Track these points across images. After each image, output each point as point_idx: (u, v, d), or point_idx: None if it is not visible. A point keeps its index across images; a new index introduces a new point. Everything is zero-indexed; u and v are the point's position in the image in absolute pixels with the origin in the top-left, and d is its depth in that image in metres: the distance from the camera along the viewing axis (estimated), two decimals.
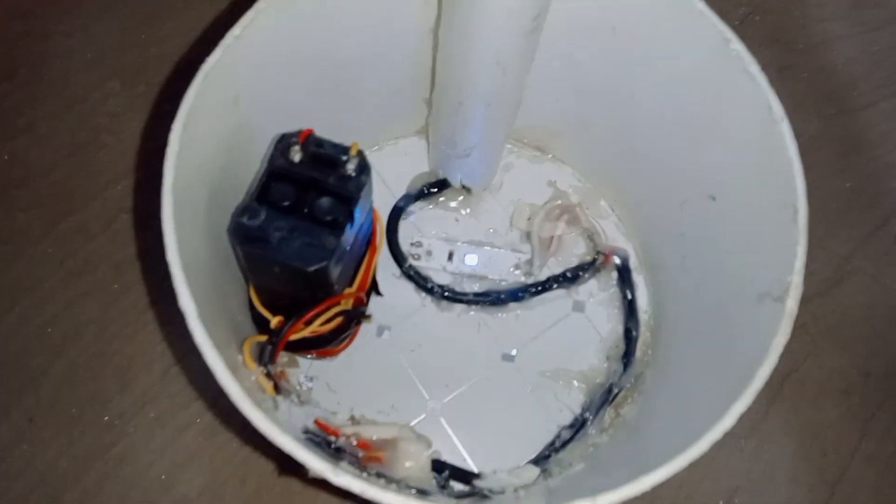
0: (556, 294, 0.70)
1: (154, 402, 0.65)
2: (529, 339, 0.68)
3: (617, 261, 0.69)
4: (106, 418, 0.65)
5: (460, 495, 0.57)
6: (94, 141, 0.75)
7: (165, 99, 0.77)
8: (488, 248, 0.71)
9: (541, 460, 0.63)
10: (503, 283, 0.70)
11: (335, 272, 0.51)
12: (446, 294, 0.68)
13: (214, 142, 0.50)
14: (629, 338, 0.67)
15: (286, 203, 0.49)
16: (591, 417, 0.64)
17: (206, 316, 0.42)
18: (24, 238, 0.70)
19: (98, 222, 0.71)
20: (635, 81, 0.61)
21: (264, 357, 0.51)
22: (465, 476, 0.59)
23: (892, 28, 0.91)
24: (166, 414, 0.65)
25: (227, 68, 0.48)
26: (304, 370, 0.65)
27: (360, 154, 0.51)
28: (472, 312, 0.69)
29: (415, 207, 0.72)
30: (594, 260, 0.70)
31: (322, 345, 0.60)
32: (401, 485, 0.49)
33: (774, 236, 0.49)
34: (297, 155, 0.50)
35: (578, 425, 0.64)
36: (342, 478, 0.39)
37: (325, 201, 0.49)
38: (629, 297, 0.69)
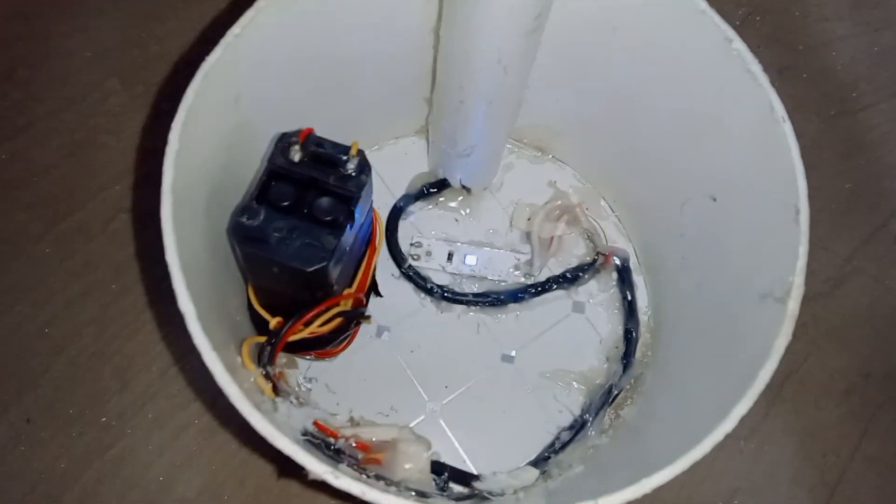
0: (556, 295, 0.70)
1: (153, 403, 0.65)
2: (529, 340, 0.68)
3: (617, 261, 0.69)
4: (104, 419, 0.64)
5: (460, 497, 0.57)
6: (94, 140, 0.74)
7: (165, 98, 0.77)
8: (488, 248, 0.71)
9: (540, 462, 0.62)
10: (503, 283, 0.70)
11: (335, 273, 0.51)
12: (446, 295, 0.68)
13: (214, 141, 0.50)
14: (629, 339, 0.67)
15: (286, 203, 0.49)
16: (590, 419, 0.63)
17: (205, 317, 0.42)
18: (24, 238, 0.70)
19: (97, 222, 0.71)
20: (636, 81, 0.61)
21: (263, 358, 0.51)
22: (464, 478, 0.59)
23: (894, 28, 0.91)
24: (165, 414, 0.65)
25: (227, 67, 0.48)
26: (303, 371, 0.65)
27: (361, 153, 0.51)
28: (471, 313, 0.69)
29: (414, 207, 0.72)
30: (594, 261, 0.70)
31: (321, 346, 0.60)
32: (400, 487, 0.49)
33: (776, 237, 0.49)
34: (296, 154, 0.50)
35: (578, 426, 0.64)
36: (342, 480, 0.38)
37: (324, 201, 0.49)
38: (629, 297, 0.69)
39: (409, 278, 0.69)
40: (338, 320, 0.56)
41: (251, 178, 0.55)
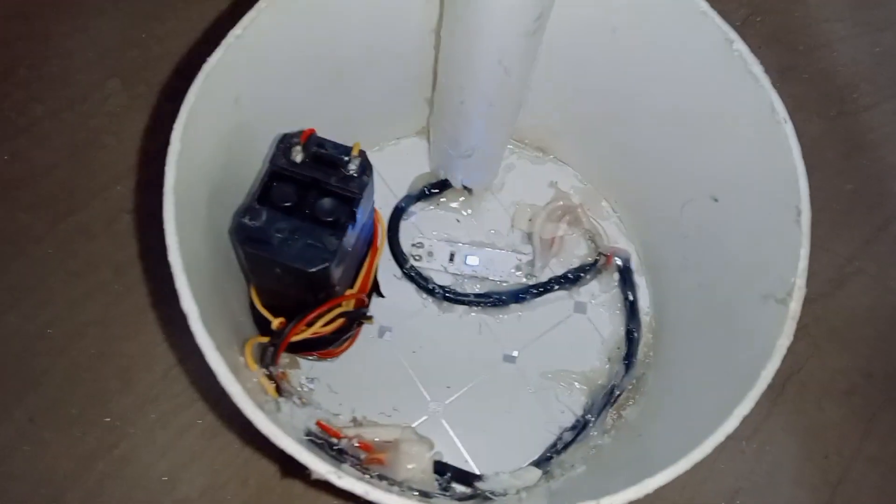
0: (558, 295, 0.70)
1: (155, 403, 0.65)
2: (531, 341, 0.68)
3: (618, 262, 0.69)
4: (107, 419, 0.65)
5: (462, 497, 0.57)
6: (95, 141, 0.74)
7: (166, 98, 0.77)
8: (489, 249, 0.71)
9: (542, 462, 0.63)
10: (504, 284, 0.70)
11: (337, 273, 0.51)
12: (447, 295, 0.68)
13: (215, 141, 0.50)
14: (631, 339, 0.67)
15: (288, 204, 0.49)
16: (592, 419, 0.63)
17: (207, 317, 0.42)
18: (25, 238, 0.70)
19: (99, 222, 0.71)
20: (637, 82, 0.61)
21: (266, 358, 0.51)
22: (466, 478, 0.59)
23: (895, 29, 0.91)
24: (168, 415, 0.65)
25: (228, 68, 0.48)
26: (305, 371, 0.65)
27: (362, 154, 0.51)
28: (473, 314, 0.69)
29: (416, 208, 0.72)
30: (596, 261, 0.70)
31: (323, 346, 0.60)
32: (403, 487, 0.49)
33: (777, 238, 0.49)
34: (298, 155, 0.50)
35: (580, 427, 0.64)
36: (346, 480, 0.39)
37: (326, 202, 0.49)
38: (631, 298, 0.69)
39: (410, 279, 0.69)
40: (340, 321, 0.56)
41: (252, 178, 0.55)
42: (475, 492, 0.57)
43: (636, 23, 0.56)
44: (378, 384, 0.66)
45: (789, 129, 0.49)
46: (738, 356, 0.49)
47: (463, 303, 0.68)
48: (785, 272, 0.47)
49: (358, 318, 0.60)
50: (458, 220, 0.72)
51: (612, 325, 0.69)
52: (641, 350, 0.67)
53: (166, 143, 0.44)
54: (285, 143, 0.50)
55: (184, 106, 0.45)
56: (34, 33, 0.79)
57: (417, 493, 0.49)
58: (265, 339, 0.52)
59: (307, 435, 0.50)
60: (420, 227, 0.71)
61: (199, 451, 0.64)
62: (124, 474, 0.63)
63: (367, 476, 0.48)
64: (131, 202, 0.72)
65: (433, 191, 0.71)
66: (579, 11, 0.57)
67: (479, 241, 0.71)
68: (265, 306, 0.55)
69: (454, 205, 0.72)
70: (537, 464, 0.62)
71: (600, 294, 0.70)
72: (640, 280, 0.70)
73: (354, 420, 0.63)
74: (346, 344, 0.63)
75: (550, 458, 0.63)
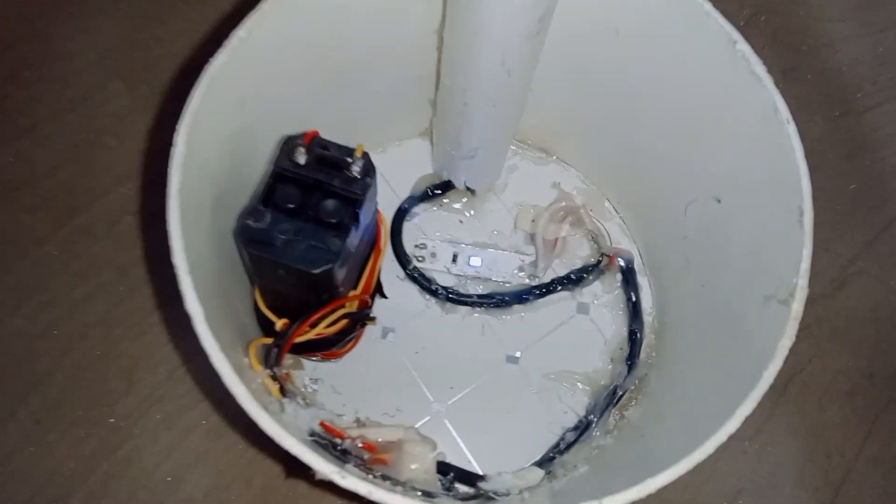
0: (561, 296, 0.70)
1: (160, 404, 0.65)
2: (533, 342, 0.68)
3: (621, 263, 0.69)
4: (112, 420, 0.65)
5: (465, 497, 0.57)
6: (98, 142, 0.75)
7: (169, 100, 0.77)
8: (492, 249, 0.71)
9: (545, 462, 0.63)
10: (507, 285, 0.70)
11: (340, 274, 0.51)
12: (450, 296, 0.68)
13: (219, 144, 0.50)
14: (633, 340, 0.67)
15: (291, 205, 0.49)
16: (595, 419, 0.64)
17: (212, 318, 0.42)
18: (28, 239, 0.70)
19: (102, 224, 0.71)
20: (640, 83, 0.61)
21: (270, 359, 0.51)
22: (469, 478, 0.59)
23: None
24: (172, 415, 0.65)
25: (231, 70, 0.48)
26: (309, 372, 0.65)
27: (365, 156, 0.51)
28: (476, 314, 0.69)
29: (419, 209, 0.72)
30: (598, 262, 0.70)
31: (327, 347, 0.60)
32: (406, 487, 0.49)
33: (780, 238, 0.49)
34: (302, 157, 0.50)
35: (583, 427, 0.64)
36: (349, 480, 0.39)
37: (330, 203, 0.49)
38: (633, 298, 0.69)
39: (413, 280, 0.69)
40: (343, 322, 0.56)
41: (256, 180, 0.55)
42: (478, 492, 0.58)
43: (639, 23, 0.56)
44: (381, 385, 0.66)
45: (792, 129, 0.49)
46: (740, 357, 0.50)
47: (466, 304, 0.69)
48: (787, 273, 0.47)
49: (361, 319, 0.60)
50: (460, 221, 0.72)
51: (614, 325, 0.69)
52: (644, 351, 0.67)
53: (169, 144, 0.45)
54: (289, 144, 0.51)
55: (187, 108, 0.46)
56: (36, 34, 0.80)
57: (420, 494, 0.49)
58: (269, 340, 0.52)
59: (311, 435, 0.50)
60: (423, 229, 0.72)
61: (204, 452, 0.64)
62: (128, 475, 0.63)
63: (371, 476, 0.48)
64: (134, 203, 0.72)
65: (436, 192, 0.71)
66: (582, 12, 0.57)
67: (482, 242, 0.71)
68: (269, 307, 0.55)
69: (457, 206, 0.72)
70: (540, 464, 0.63)
71: (603, 295, 0.70)
72: (642, 281, 0.70)
73: (358, 421, 0.63)
74: (349, 345, 0.63)
75: (553, 458, 0.63)
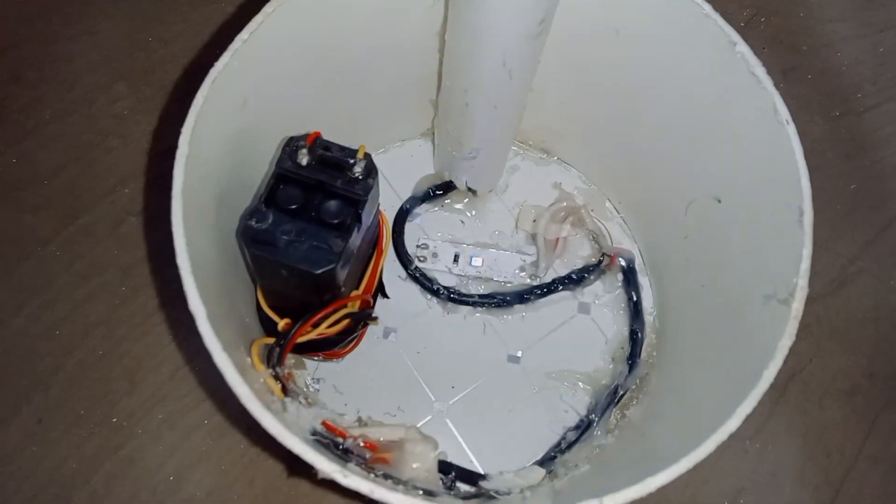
0: (562, 296, 0.70)
1: (162, 404, 0.66)
2: (535, 341, 0.69)
3: (622, 262, 0.70)
4: (114, 419, 0.65)
5: (467, 496, 0.57)
6: (102, 143, 0.75)
7: (172, 101, 0.77)
8: (494, 250, 0.71)
9: (546, 461, 0.63)
10: (509, 284, 0.70)
11: (342, 274, 0.51)
12: (452, 296, 0.69)
13: (222, 145, 0.51)
14: (634, 339, 0.67)
15: (294, 206, 0.49)
16: (596, 419, 0.64)
17: (214, 318, 0.42)
18: (32, 240, 0.70)
19: (105, 225, 0.71)
20: (640, 84, 0.61)
21: (272, 359, 0.51)
22: (471, 477, 0.59)
23: None
24: (175, 415, 0.65)
25: (235, 72, 0.49)
26: (311, 372, 0.65)
27: (367, 157, 0.51)
28: (477, 314, 0.69)
29: (420, 210, 0.72)
30: (599, 262, 0.70)
31: (329, 347, 0.60)
32: (408, 486, 0.49)
33: (780, 238, 0.50)
34: (304, 158, 0.50)
35: (584, 426, 0.64)
36: (351, 479, 0.39)
37: (332, 204, 0.50)
38: (634, 298, 0.69)
39: (415, 280, 0.69)
40: (345, 322, 0.56)
41: (259, 181, 0.55)
42: (479, 491, 0.58)
43: (639, 25, 0.56)
44: (383, 384, 0.66)
45: (791, 129, 0.49)
46: (740, 356, 0.50)
47: (467, 303, 0.69)
48: (787, 272, 0.47)
49: (363, 318, 0.60)
50: (462, 222, 0.73)
51: (615, 325, 0.69)
52: (645, 350, 0.67)
53: (172, 145, 0.45)
54: (291, 145, 0.51)
55: (192, 109, 0.46)
56: (40, 36, 0.80)
57: (422, 492, 0.50)
58: (271, 340, 0.53)
59: (313, 435, 0.50)
60: (425, 229, 0.72)
61: (206, 452, 0.65)
62: (131, 474, 0.64)
63: (373, 475, 0.48)
64: (137, 204, 0.72)
65: (438, 192, 0.71)
66: (582, 14, 0.57)
67: (483, 243, 0.71)
68: (271, 307, 0.55)
69: (459, 206, 0.73)
70: (541, 463, 0.63)
71: (604, 294, 0.70)
72: (643, 280, 0.71)
73: (360, 420, 0.63)
74: (351, 345, 0.63)
75: (554, 457, 0.63)
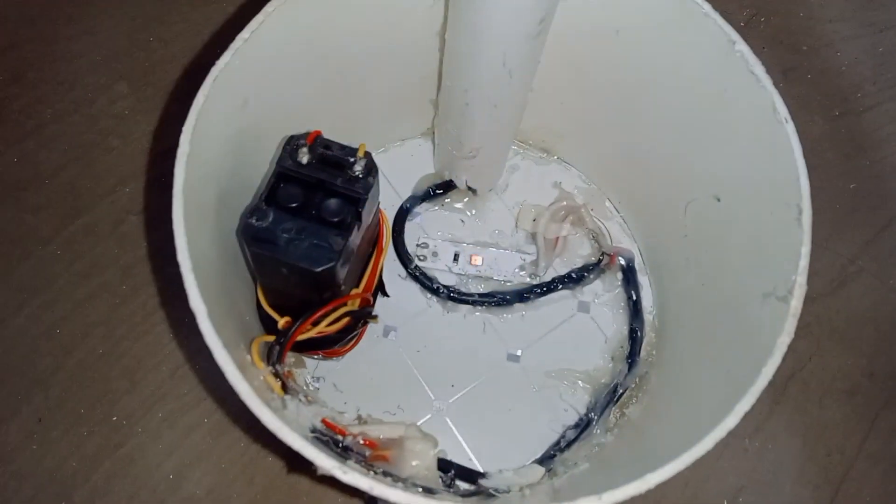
0: (562, 295, 0.70)
1: (162, 403, 0.66)
2: (535, 340, 0.69)
3: (622, 261, 0.70)
4: (114, 418, 0.65)
5: (466, 494, 0.57)
6: (102, 143, 0.75)
7: (173, 101, 0.77)
8: (494, 249, 0.71)
9: (546, 460, 0.63)
10: (508, 283, 0.70)
11: (342, 273, 0.51)
12: (452, 295, 0.69)
13: (223, 144, 0.51)
14: (634, 338, 0.67)
15: (294, 204, 0.49)
16: (595, 417, 0.64)
17: (215, 316, 0.42)
18: (32, 240, 0.71)
19: (106, 224, 0.72)
20: (640, 83, 0.61)
21: (272, 357, 0.51)
22: (470, 475, 0.59)
23: None
24: (175, 414, 0.66)
25: (236, 71, 0.49)
26: (311, 370, 0.65)
27: (368, 155, 0.51)
28: (477, 313, 0.69)
29: (421, 209, 0.72)
30: (599, 261, 0.70)
31: (329, 345, 0.61)
32: (407, 483, 0.49)
33: (779, 236, 0.50)
34: (305, 156, 0.50)
35: (583, 425, 0.64)
36: (350, 475, 0.39)
37: (332, 202, 0.50)
38: (634, 297, 0.69)
39: (415, 279, 0.69)
40: (345, 320, 0.56)
41: (259, 180, 0.55)
42: (479, 489, 0.58)
43: (639, 24, 0.56)
44: (383, 383, 0.66)
45: (790, 128, 0.49)
46: (739, 354, 0.50)
47: (467, 302, 0.69)
48: (786, 270, 0.47)
49: (363, 317, 0.60)
50: (462, 221, 0.73)
51: (615, 324, 0.69)
52: (644, 349, 0.67)
53: (173, 145, 0.45)
54: (292, 144, 0.51)
55: (192, 108, 0.46)
56: (41, 37, 0.80)
57: (421, 490, 0.50)
58: (271, 338, 0.53)
59: (312, 432, 0.50)
60: (425, 228, 0.72)
61: (206, 450, 0.65)
62: (131, 473, 0.64)
63: (372, 473, 0.48)
64: (138, 204, 0.73)
65: (438, 191, 0.72)
66: (582, 13, 0.57)
67: (483, 242, 0.72)
68: (271, 306, 0.55)
69: (459, 205, 0.73)
70: (540, 461, 0.63)
71: (604, 293, 0.71)
72: (643, 279, 0.71)
73: (359, 418, 0.63)
74: (351, 343, 0.63)
75: (554, 455, 0.63)
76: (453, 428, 0.65)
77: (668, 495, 0.66)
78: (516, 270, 0.70)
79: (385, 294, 0.67)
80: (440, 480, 0.55)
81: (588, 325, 0.70)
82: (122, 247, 0.71)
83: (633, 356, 0.66)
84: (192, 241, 0.43)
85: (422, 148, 0.75)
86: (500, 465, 0.61)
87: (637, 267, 0.70)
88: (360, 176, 0.51)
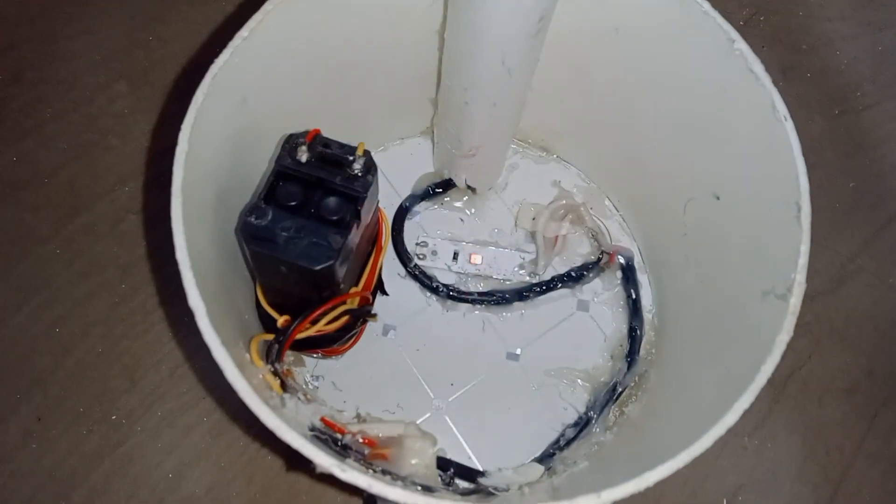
0: (561, 293, 0.70)
1: (162, 401, 0.66)
2: (534, 339, 0.69)
3: (621, 260, 0.70)
4: (114, 417, 0.65)
5: (465, 492, 0.57)
6: (102, 142, 0.75)
7: (172, 100, 0.77)
8: (493, 247, 0.71)
9: (545, 458, 0.63)
10: (508, 282, 0.70)
11: (341, 271, 0.51)
12: (451, 294, 0.69)
13: (222, 142, 0.51)
14: (633, 336, 0.67)
15: (293, 203, 0.49)
16: (595, 416, 0.64)
17: (214, 314, 0.42)
18: (32, 239, 0.71)
19: (105, 223, 0.71)
20: (639, 81, 0.61)
21: (271, 355, 0.51)
22: (469, 474, 0.59)
23: None
24: (174, 413, 0.66)
25: (235, 69, 0.49)
26: (310, 369, 0.65)
27: (367, 154, 0.51)
28: (476, 312, 0.69)
29: (420, 207, 0.72)
30: (598, 259, 0.70)
31: (328, 344, 0.61)
32: (406, 481, 0.49)
33: (778, 234, 0.50)
34: (304, 155, 0.50)
35: (583, 424, 0.64)
36: (349, 473, 0.39)
37: (331, 201, 0.50)
38: (633, 296, 0.69)
39: (414, 277, 0.69)
40: (344, 318, 0.56)
41: (258, 178, 0.55)
42: (478, 487, 0.58)
43: (638, 23, 0.56)
44: (382, 382, 0.66)
45: (789, 126, 0.49)
46: (739, 352, 0.50)
47: (466, 301, 0.69)
48: (785, 268, 0.47)
49: (362, 316, 0.60)
50: (461, 220, 0.73)
51: (614, 322, 0.69)
52: (644, 347, 0.67)
53: (172, 144, 0.45)
54: (291, 143, 0.51)
55: (191, 106, 0.46)
56: (40, 36, 0.80)
57: (420, 488, 0.50)
58: (270, 337, 0.53)
59: (312, 430, 0.50)
60: (424, 227, 0.72)
61: (205, 449, 0.65)
62: (130, 472, 0.64)
63: (371, 471, 0.48)
64: (137, 203, 0.73)
65: (437, 190, 0.72)
66: (582, 11, 0.57)
67: (482, 240, 0.72)
68: (271, 304, 0.55)
69: (458, 204, 0.73)
70: (540, 460, 0.63)
71: (603, 292, 0.71)
72: (642, 278, 0.71)
73: (358, 416, 0.63)
74: (350, 342, 0.63)
75: (553, 454, 0.63)
76: (452, 426, 0.65)
77: (667, 494, 0.66)
78: (515, 269, 0.70)
79: (384, 293, 0.67)
80: (439, 479, 0.55)
81: (587, 324, 0.70)
82: (121, 246, 0.71)
83: (632, 355, 0.67)
84: (190, 240, 0.43)
85: (421, 147, 0.75)
86: (500, 464, 0.62)
87: (636, 265, 0.70)
88: (360, 174, 0.51)
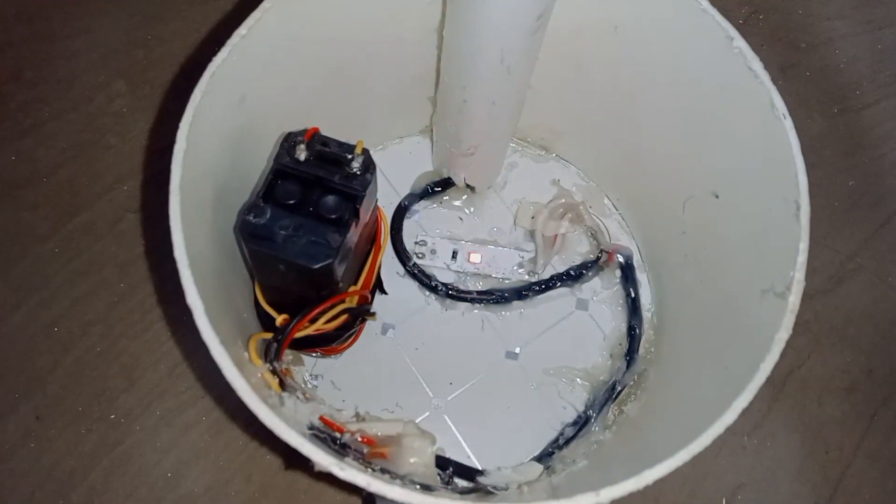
0: (560, 292, 0.70)
1: (160, 400, 0.66)
2: (533, 337, 0.69)
3: (620, 259, 0.70)
4: (112, 416, 0.65)
5: (464, 491, 0.57)
6: (100, 141, 0.75)
7: (171, 99, 0.77)
8: (492, 246, 0.71)
9: (544, 457, 0.63)
10: (507, 281, 0.70)
11: (340, 270, 0.51)
12: (450, 292, 0.69)
13: (221, 140, 0.51)
14: (632, 335, 0.67)
15: (292, 201, 0.49)
16: (594, 415, 0.64)
17: (212, 313, 0.42)
18: (31, 238, 0.70)
19: (104, 222, 0.71)
20: (638, 80, 0.61)
21: (270, 354, 0.51)
22: (468, 472, 0.59)
23: None
24: (172, 412, 0.65)
25: (233, 67, 0.49)
26: (309, 368, 0.65)
27: (366, 152, 0.51)
28: (475, 311, 0.69)
29: (419, 206, 0.72)
30: (598, 258, 0.70)
31: (327, 342, 0.60)
32: (405, 480, 0.49)
33: (777, 233, 0.50)
34: (302, 153, 0.50)
35: (582, 422, 0.64)
36: (348, 472, 0.39)
37: (330, 199, 0.50)
38: (632, 294, 0.69)
39: (413, 276, 0.69)
40: (343, 317, 0.56)
41: (257, 177, 0.55)
42: (477, 486, 0.58)
43: (637, 20, 0.56)
44: (381, 380, 0.66)
45: (788, 124, 0.49)
46: (738, 351, 0.50)
47: (465, 300, 0.69)
48: (784, 266, 0.47)
49: (361, 314, 0.60)
50: (460, 218, 0.73)
51: (613, 321, 0.69)
52: (643, 346, 0.67)
53: (171, 142, 0.45)
54: (290, 141, 0.51)
55: (190, 104, 0.46)
56: (39, 35, 0.80)
57: (419, 487, 0.50)
58: (269, 335, 0.53)
59: (310, 429, 0.50)
60: (423, 225, 0.72)
61: (204, 448, 0.65)
62: (129, 471, 0.64)
63: (370, 470, 0.48)
64: (136, 202, 0.73)
65: (436, 189, 0.72)
66: (581, 9, 0.57)
67: (481, 239, 0.71)
68: (269, 303, 0.55)
69: (457, 203, 0.73)
70: (539, 459, 0.63)
71: (602, 291, 0.70)
72: (641, 277, 0.71)
73: (357, 415, 0.63)
74: (349, 341, 0.63)
75: (552, 453, 0.63)
76: (451, 425, 0.65)
77: (666, 492, 0.66)
78: (515, 268, 0.70)
79: (383, 291, 0.67)
80: (438, 478, 0.55)
81: (586, 323, 0.69)
82: (119, 244, 0.71)
83: (631, 353, 0.67)
84: (189, 239, 0.43)
85: (420, 145, 0.75)
86: (499, 463, 0.62)
87: (636, 264, 0.70)
88: (358, 173, 0.51)
